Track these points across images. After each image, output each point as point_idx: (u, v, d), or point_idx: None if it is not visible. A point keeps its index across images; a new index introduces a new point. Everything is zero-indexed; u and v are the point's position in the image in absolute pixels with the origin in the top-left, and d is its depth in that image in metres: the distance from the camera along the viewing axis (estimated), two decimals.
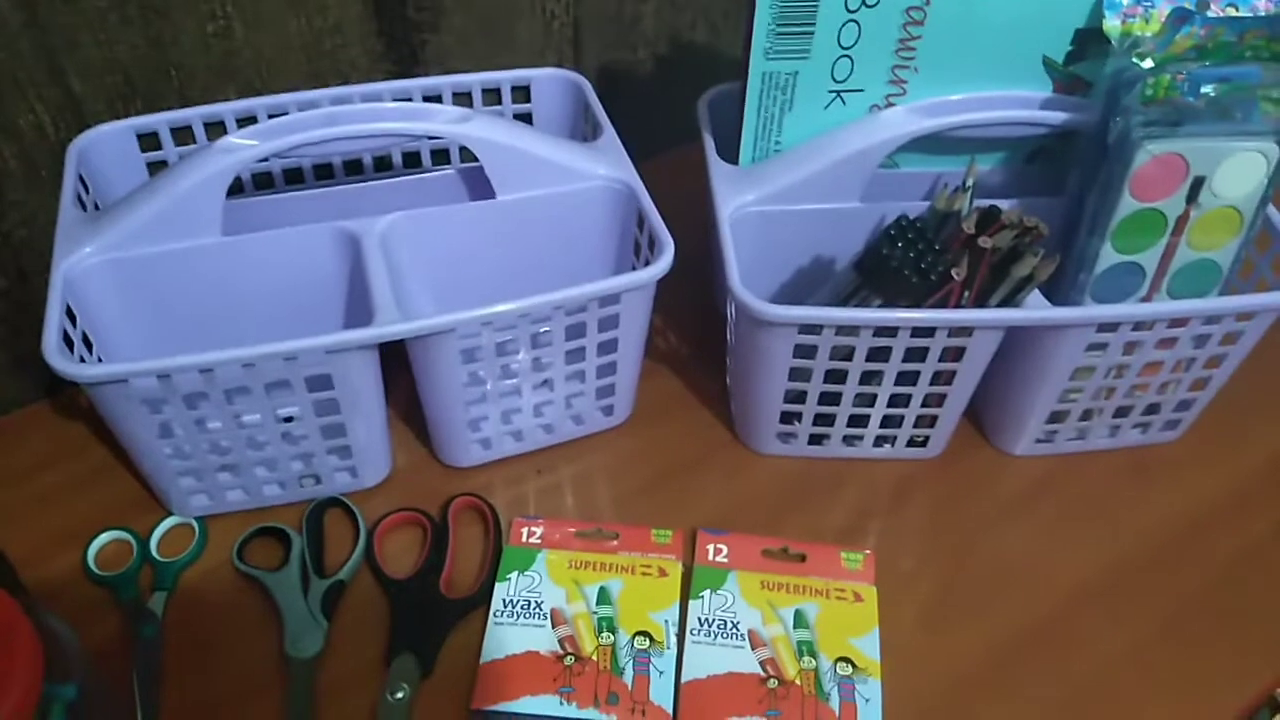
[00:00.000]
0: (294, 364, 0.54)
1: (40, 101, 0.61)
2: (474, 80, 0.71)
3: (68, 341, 0.54)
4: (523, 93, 0.73)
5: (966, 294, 0.56)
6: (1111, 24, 0.58)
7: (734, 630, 0.57)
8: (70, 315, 0.56)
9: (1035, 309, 0.57)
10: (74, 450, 0.66)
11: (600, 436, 0.69)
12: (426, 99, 0.69)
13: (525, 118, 0.73)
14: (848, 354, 0.58)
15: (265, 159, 0.58)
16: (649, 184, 0.64)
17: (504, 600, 0.58)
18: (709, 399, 0.71)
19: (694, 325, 0.75)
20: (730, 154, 0.66)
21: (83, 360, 0.56)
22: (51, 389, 0.70)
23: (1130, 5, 0.57)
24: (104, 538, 0.61)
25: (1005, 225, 0.57)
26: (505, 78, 0.71)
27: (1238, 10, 0.57)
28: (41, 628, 0.45)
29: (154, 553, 0.61)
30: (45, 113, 0.62)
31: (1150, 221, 0.58)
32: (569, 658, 0.56)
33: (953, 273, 0.55)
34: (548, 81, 0.72)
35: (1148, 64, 0.55)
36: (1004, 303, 0.57)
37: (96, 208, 0.64)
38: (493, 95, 0.72)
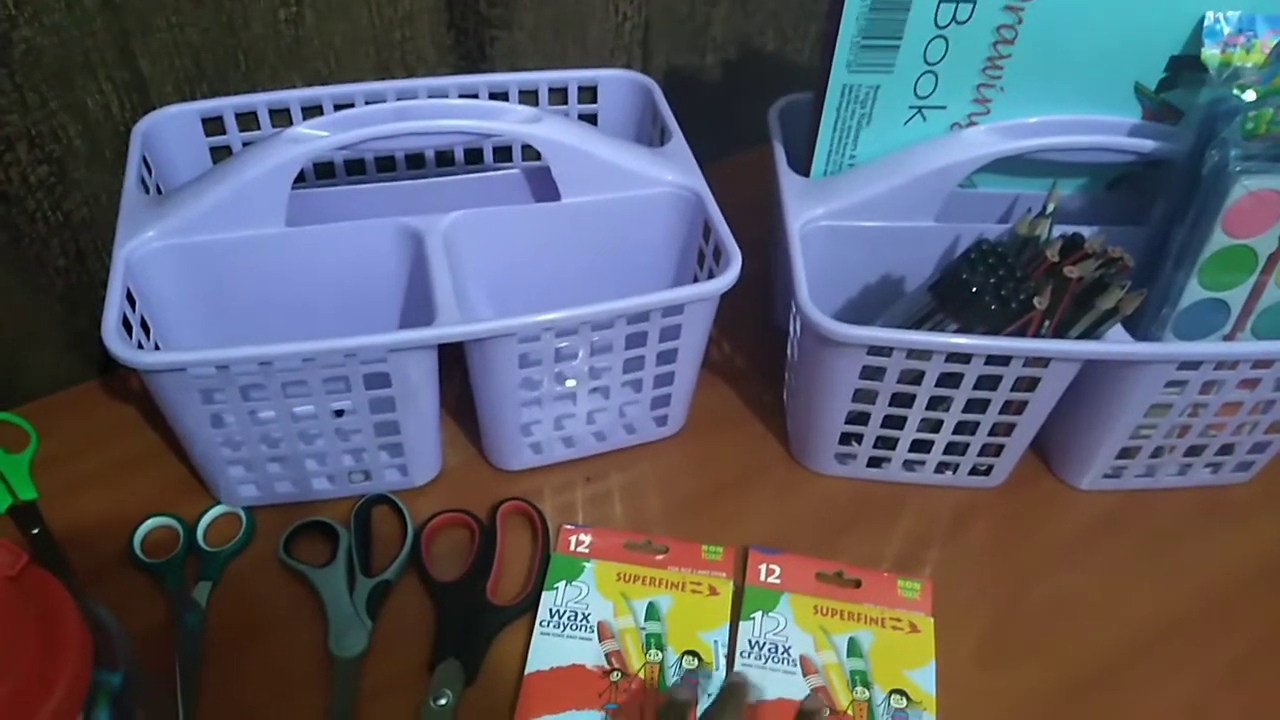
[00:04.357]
0: (353, 360, 0.54)
1: (109, 82, 0.61)
2: (541, 79, 0.70)
3: (126, 326, 0.54)
4: (589, 93, 0.72)
5: (1046, 323, 0.55)
6: (1210, 53, 0.56)
7: (785, 655, 0.56)
8: (129, 299, 0.55)
9: (1118, 343, 0.55)
10: (123, 432, 0.66)
11: (652, 446, 0.67)
12: (492, 96, 0.69)
13: (591, 118, 0.72)
14: (916, 378, 0.57)
15: (332, 151, 0.57)
16: (709, 189, 0.63)
17: (551, 610, 0.57)
18: (763, 413, 0.70)
19: (750, 337, 0.74)
20: (801, 165, 0.64)
21: (140, 345, 0.56)
22: (104, 368, 0.70)
23: (1231, 34, 0.55)
24: (150, 523, 0.61)
25: (1089, 254, 0.55)
26: (573, 77, 0.70)
27: None
28: (89, 615, 0.44)
29: (200, 541, 0.60)
30: (113, 93, 0.61)
31: (1240, 258, 0.56)
32: (615, 673, 0.55)
33: (1035, 301, 0.53)
34: (615, 83, 0.71)
35: (1249, 96, 0.53)
36: (1085, 335, 0.55)
37: (159, 190, 0.64)
38: (559, 94, 0.71)
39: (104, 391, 0.69)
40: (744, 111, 0.75)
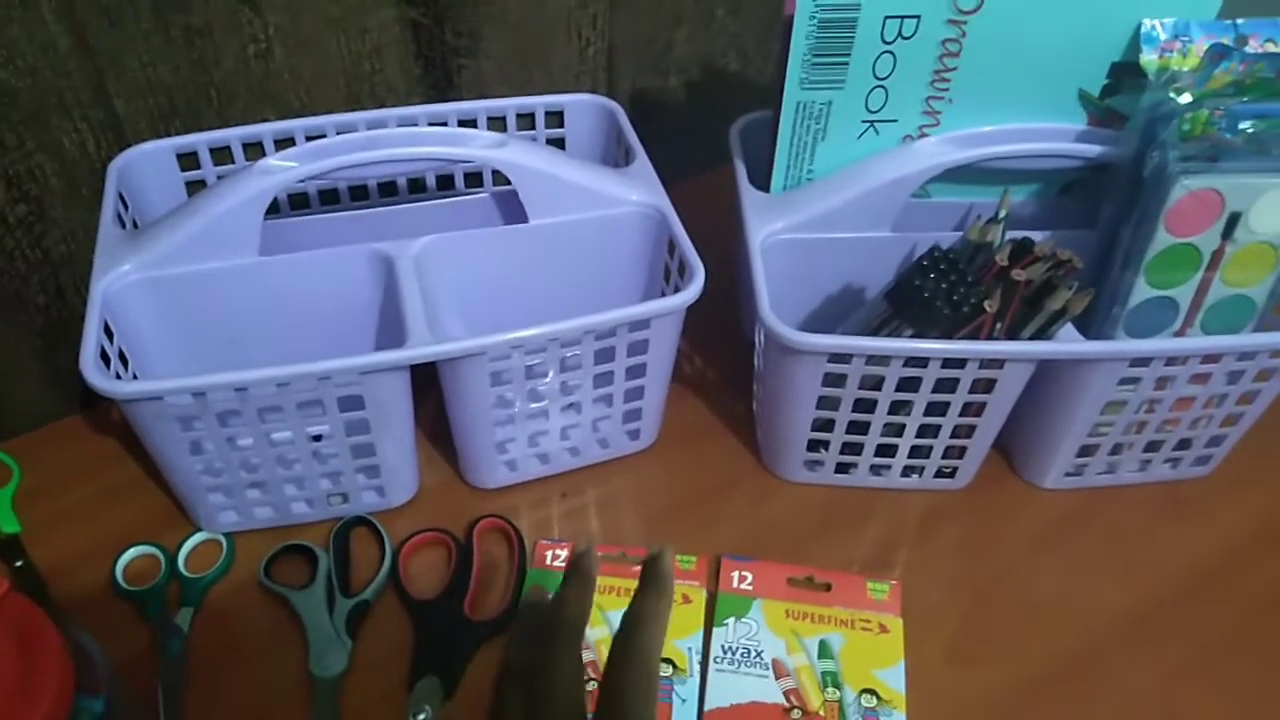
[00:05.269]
0: (327, 384, 0.55)
1: (84, 121, 0.62)
2: (509, 105, 0.72)
3: (104, 358, 0.55)
4: (556, 117, 0.73)
5: (999, 326, 0.56)
6: (1148, 58, 0.58)
7: (758, 659, 0.57)
8: (108, 332, 0.57)
9: (1068, 342, 0.57)
10: (105, 464, 0.67)
11: (626, 460, 0.69)
12: (462, 123, 0.70)
13: (558, 142, 0.74)
14: (877, 383, 0.58)
15: (303, 181, 0.59)
16: (677, 206, 0.64)
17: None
18: (735, 425, 0.71)
19: (720, 350, 0.75)
20: (761, 181, 0.66)
21: (118, 376, 0.57)
22: (85, 403, 0.71)
23: (1167, 40, 0.57)
24: (132, 552, 0.62)
25: (1038, 258, 0.56)
26: (539, 103, 0.72)
27: (1276, 47, 0.57)
28: (71, 641, 0.45)
29: (182, 568, 0.61)
30: (89, 132, 0.63)
31: (1185, 256, 0.57)
32: (590, 683, 0.55)
33: (985, 305, 0.55)
34: (581, 107, 0.73)
35: (1185, 99, 0.55)
36: (1036, 335, 0.56)
37: (135, 225, 0.65)
38: (527, 119, 0.72)
39: (85, 425, 0.70)
40: (709, 131, 0.76)
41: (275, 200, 0.59)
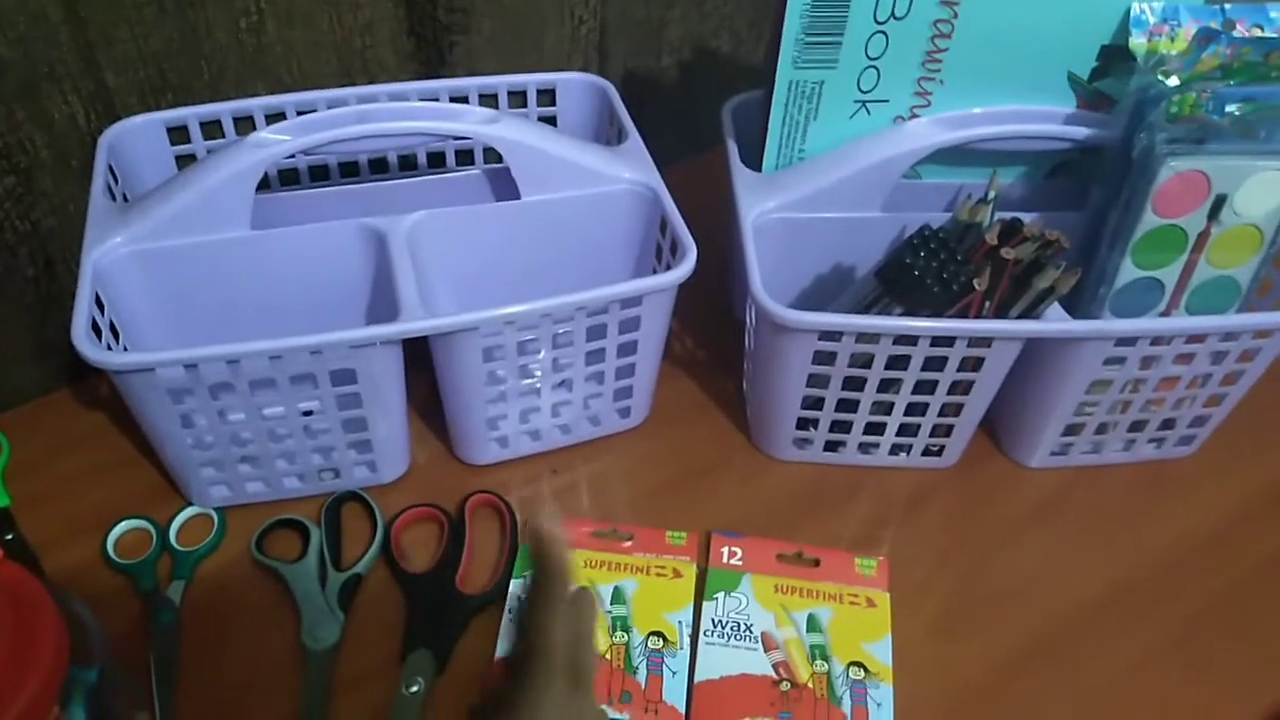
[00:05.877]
0: (319, 357, 0.55)
1: (75, 93, 0.62)
2: (500, 82, 0.72)
3: (96, 331, 0.55)
4: (548, 96, 0.73)
5: (987, 305, 0.57)
6: (1137, 42, 0.58)
7: (747, 632, 0.57)
8: (99, 304, 0.56)
9: (1055, 321, 0.57)
10: (95, 438, 0.67)
11: (616, 438, 0.69)
12: (453, 99, 0.70)
13: (550, 120, 0.74)
14: (866, 361, 0.59)
15: (295, 155, 0.59)
16: (670, 189, 0.65)
17: (519, 598, 0.59)
18: (725, 403, 0.71)
19: (711, 329, 0.76)
20: (753, 161, 0.67)
21: (109, 349, 0.57)
22: (74, 377, 0.71)
23: (1156, 24, 0.58)
24: (123, 526, 0.62)
25: (1027, 238, 0.57)
26: (532, 80, 0.72)
27: (1263, 31, 0.58)
28: (66, 612, 0.45)
29: (173, 542, 0.61)
30: (79, 104, 0.62)
31: (1171, 238, 0.58)
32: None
33: (974, 283, 0.55)
34: (573, 85, 0.73)
35: (1173, 82, 0.55)
36: (1024, 314, 0.57)
37: (125, 198, 0.65)
38: (518, 97, 0.72)
39: (75, 400, 0.70)
40: (701, 111, 0.77)
41: (266, 175, 0.59)
